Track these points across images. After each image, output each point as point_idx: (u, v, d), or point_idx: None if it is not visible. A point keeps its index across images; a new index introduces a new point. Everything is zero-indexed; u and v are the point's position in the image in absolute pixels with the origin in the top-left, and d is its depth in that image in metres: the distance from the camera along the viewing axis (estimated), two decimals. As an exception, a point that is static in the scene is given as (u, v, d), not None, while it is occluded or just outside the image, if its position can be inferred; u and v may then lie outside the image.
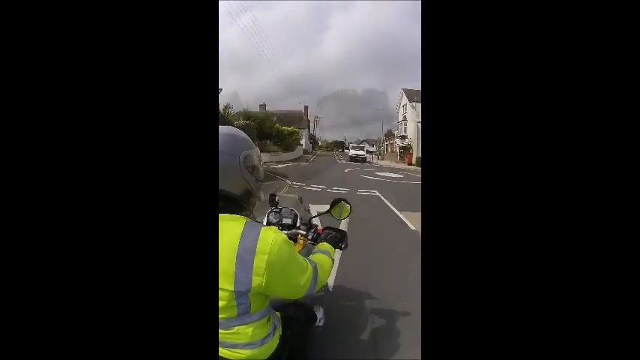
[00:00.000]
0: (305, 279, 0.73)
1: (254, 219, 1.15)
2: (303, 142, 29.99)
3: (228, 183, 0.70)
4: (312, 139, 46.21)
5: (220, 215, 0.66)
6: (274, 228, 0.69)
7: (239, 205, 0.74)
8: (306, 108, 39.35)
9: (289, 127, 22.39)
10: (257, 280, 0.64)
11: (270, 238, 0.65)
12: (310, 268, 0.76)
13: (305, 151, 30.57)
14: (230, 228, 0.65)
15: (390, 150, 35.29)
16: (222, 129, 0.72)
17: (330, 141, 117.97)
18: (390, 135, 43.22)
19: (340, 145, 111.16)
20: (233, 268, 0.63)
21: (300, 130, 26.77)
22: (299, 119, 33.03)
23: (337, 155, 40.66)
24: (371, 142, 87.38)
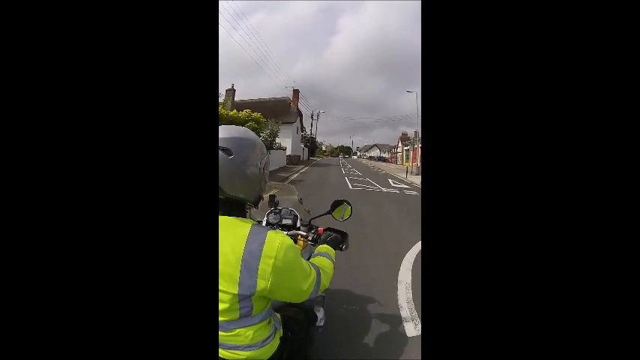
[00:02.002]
0: (308, 284, 0.73)
1: (254, 219, 1.15)
2: (287, 144, 18.16)
3: (247, 191, 0.72)
4: (310, 142, 33.85)
5: (227, 218, 0.67)
6: (281, 232, 0.69)
7: (244, 209, 0.75)
8: (295, 93, 24.31)
9: (254, 115, 10.93)
10: (262, 284, 0.64)
11: (277, 242, 0.65)
12: (314, 273, 0.76)
13: (292, 159, 18.60)
14: (236, 231, 0.65)
15: (413, 157, 22.30)
16: (240, 132, 0.72)
17: (335, 146, 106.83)
18: (405, 138, 31.02)
19: (347, 151, 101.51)
20: (238, 271, 0.62)
21: (279, 125, 15.11)
22: (284, 110, 21.20)
23: (343, 163, 28.42)
24: (384, 148, 75.25)
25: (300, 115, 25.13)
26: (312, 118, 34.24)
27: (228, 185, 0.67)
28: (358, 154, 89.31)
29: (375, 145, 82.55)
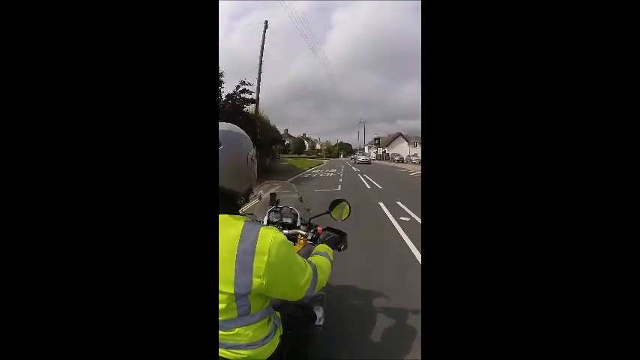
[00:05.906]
0: (305, 280, 0.73)
1: (254, 218, 1.27)
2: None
3: (236, 181, 0.73)
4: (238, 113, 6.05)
5: (219, 217, 0.65)
6: (274, 228, 0.69)
7: (236, 203, 0.75)
8: None
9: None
10: (257, 282, 0.64)
11: (269, 238, 0.65)
12: (310, 270, 0.76)
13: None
14: (229, 229, 0.65)
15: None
16: (229, 127, 0.74)
17: (333, 143, 75.63)
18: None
19: (348, 149, 72.69)
20: (233, 270, 0.62)
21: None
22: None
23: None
24: (413, 140, 43.31)
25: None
26: None
27: (219, 176, 0.67)
28: (375, 152, 53.61)
29: (400, 134, 52.60)
